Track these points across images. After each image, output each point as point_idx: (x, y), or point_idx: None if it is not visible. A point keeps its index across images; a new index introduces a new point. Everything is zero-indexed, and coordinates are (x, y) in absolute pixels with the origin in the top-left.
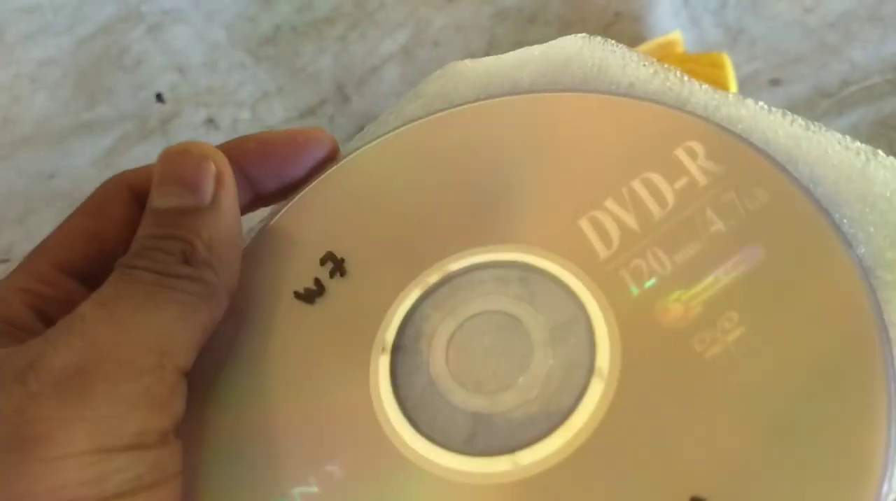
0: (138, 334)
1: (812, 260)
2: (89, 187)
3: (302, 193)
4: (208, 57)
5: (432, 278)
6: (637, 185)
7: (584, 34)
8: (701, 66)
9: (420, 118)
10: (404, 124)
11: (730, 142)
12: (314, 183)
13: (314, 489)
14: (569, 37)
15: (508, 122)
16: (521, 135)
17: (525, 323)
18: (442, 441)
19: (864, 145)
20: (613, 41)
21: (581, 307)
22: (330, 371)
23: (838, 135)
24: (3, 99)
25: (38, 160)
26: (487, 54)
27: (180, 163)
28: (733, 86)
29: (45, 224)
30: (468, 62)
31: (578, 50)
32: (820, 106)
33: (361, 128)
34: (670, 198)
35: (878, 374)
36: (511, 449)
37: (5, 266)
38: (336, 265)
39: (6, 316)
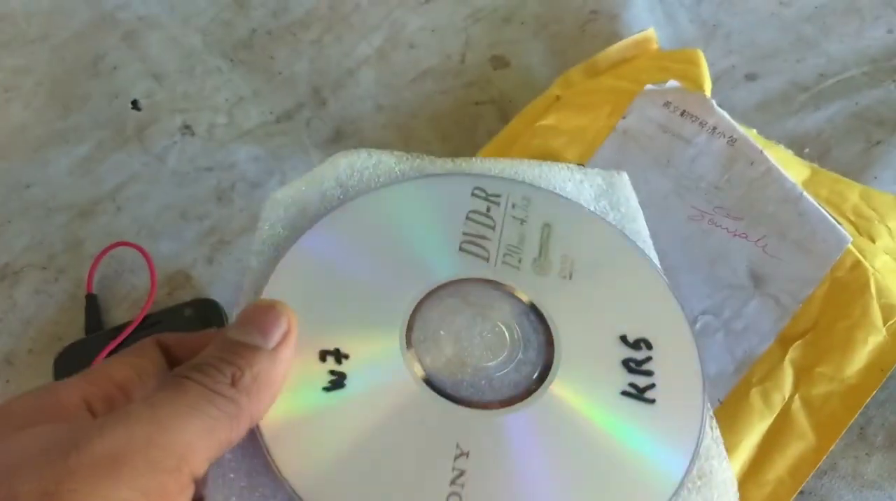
0: (169, 438)
1: (568, 216)
2: (66, 196)
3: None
4: (184, 63)
5: (409, 321)
6: (469, 222)
7: (345, 152)
8: (675, 63)
9: (285, 240)
10: (278, 247)
11: (491, 181)
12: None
13: (462, 471)
14: (340, 155)
15: (384, 213)
16: (395, 223)
17: (490, 317)
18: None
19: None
20: (368, 150)
21: (505, 290)
22: (392, 405)
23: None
24: None
25: (14, 170)
26: (463, 55)
27: (263, 313)
28: (708, 82)
29: (21, 234)
30: (287, 189)
31: (367, 161)
32: (797, 100)
33: (338, 132)
34: (490, 220)
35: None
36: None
37: None
38: (336, 354)
39: (62, 402)
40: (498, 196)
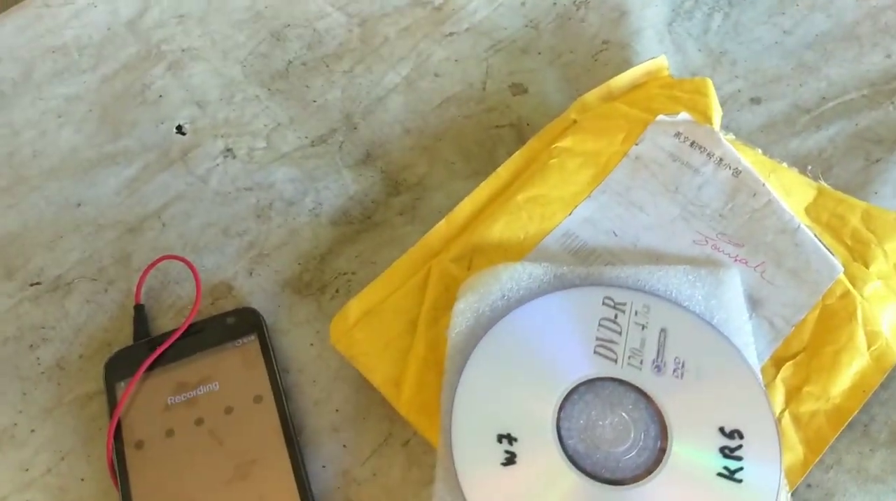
0: None
1: (681, 322)
2: (114, 213)
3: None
4: (225, 91)
5: (558, 412)
6: (601, 328)
7: (505, 264)
8: (685, 93)
9: (465, 345)
10: (462, 349)
11: (618, 291)
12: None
13: None
14: (501, 268)
15: (537, 322)
16: (546, 330)
17: (618, 410)
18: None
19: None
20: (522, 264)
21: (629, 387)
22: (549, 483)
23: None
24: (32, 134)
25: (66, 189)
26: (484, 83)
27: None
28: (716, 111)
29: (73, 249)
30: (463, 303)
31: (522, 272)
32: (799, 121)
33: (368, 154)
34: (617, 326)
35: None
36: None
37: (35, 289)
38: (508, 438)
39: None
40: (624, 304)
